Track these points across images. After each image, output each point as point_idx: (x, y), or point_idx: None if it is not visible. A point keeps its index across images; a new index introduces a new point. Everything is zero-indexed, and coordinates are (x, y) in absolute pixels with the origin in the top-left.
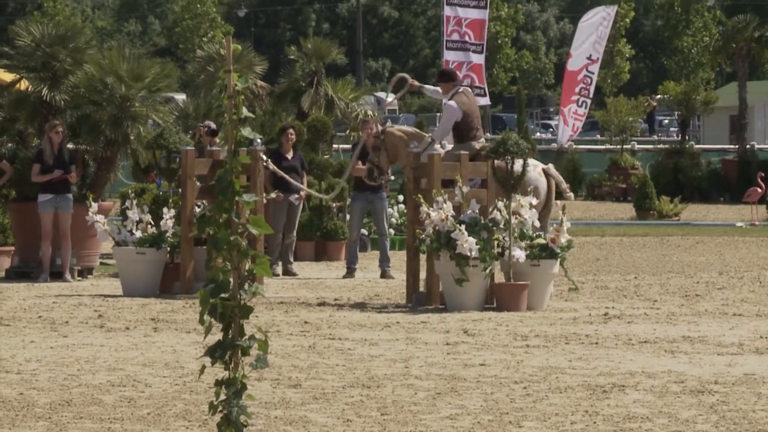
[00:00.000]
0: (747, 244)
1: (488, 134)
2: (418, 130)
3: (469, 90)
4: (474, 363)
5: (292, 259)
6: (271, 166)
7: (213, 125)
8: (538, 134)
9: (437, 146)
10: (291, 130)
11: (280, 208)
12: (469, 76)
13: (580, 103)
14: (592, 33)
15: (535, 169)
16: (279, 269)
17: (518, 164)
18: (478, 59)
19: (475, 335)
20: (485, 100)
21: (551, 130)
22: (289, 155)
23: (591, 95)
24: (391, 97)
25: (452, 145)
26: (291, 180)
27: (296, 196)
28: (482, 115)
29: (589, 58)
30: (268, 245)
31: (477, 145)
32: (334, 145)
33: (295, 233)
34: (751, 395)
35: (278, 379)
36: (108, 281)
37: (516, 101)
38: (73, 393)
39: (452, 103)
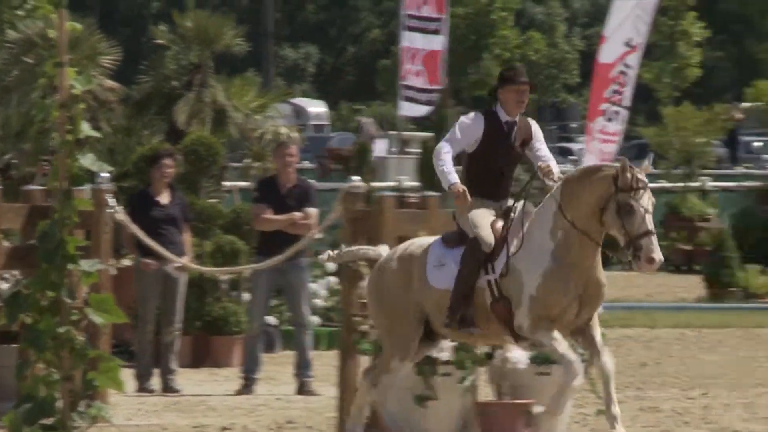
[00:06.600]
0: None
1: None
2: None
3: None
4: None
5: (175, 366)
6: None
7: None
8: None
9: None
10: (168, 160)
11: (151, 282)
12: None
13: (607, 116)
14: (635, 6)
15: None
16: (154, 383)
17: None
18: (437, 44)
19: None
20: (423, 110)
21: (574, 158)
22: (164, 199)
23: (628, 102)
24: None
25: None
26: (167, 238)
27: (176, 264)
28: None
29: (627, 44)
30: (136, 343)
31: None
32: (226, 183)
33: (178, 324)
34: None
35: None
36: None
37: None
38: None
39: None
